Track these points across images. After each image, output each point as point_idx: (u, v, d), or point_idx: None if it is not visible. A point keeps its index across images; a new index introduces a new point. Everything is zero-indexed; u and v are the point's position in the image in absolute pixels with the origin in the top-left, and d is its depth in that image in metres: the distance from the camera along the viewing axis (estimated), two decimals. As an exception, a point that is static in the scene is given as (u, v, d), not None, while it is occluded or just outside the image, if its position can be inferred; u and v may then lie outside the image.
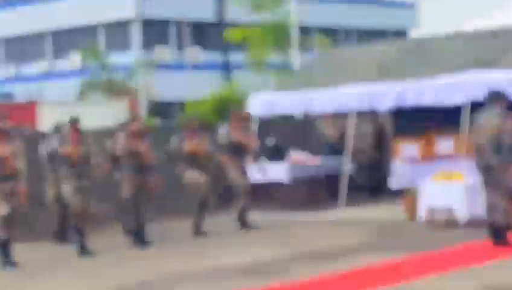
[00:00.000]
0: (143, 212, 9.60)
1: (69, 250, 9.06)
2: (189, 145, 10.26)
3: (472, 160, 8.90)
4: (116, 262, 8.45)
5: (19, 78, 33.19)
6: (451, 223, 10.02)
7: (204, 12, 29.40)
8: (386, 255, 7.16)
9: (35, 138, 11.36)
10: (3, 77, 34.38)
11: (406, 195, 11.25)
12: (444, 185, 10.93)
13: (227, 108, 16.48)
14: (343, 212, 12.44)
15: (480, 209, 8.55)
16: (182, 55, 31.94)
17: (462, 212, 9.90)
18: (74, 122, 8.91)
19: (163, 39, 31.35)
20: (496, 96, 8.02)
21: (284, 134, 15.37)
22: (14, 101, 27.31)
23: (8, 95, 27.33)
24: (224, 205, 12.26)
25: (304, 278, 5.89)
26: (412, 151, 13.29)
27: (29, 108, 22.01)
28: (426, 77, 11.85)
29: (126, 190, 9.30)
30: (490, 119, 7.55)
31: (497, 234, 7.37)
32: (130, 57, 28.90)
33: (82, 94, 25.93)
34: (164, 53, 29.86)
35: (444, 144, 12.89)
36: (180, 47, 30.95)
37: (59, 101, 24.24)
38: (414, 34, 31.02)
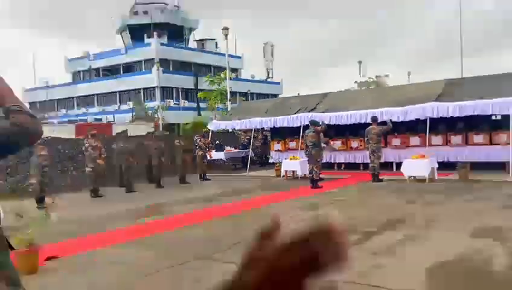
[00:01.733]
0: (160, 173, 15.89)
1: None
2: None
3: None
4: (145, 195, 14.56)
5: (103, 112, 46.60)
6: (294, 177, 15.89)
7: (189, 84, 43.74)
8: (266, 192, 12.77)
9: (110, 139, 16.88)
10: (97, 112, 47.28)
11: (276, 165, 17.37)
12: (292, 161, 16.08)
13: (201, 127, 22.05)
14: (248, 173, 18.03)
15: (305, 171, 14.52)
16: (178, 103, 46.33)
17: (299, 173, 15.46)
18: (125, 132, 16.73)
19: (169, 95, 46.28)
20: (313, 122, 13.87)
21: (223, 139, 20.95)
22: (102, 123, 36.60)
23: (98, 120, 38.84)
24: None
25: (227, 203, 11.18)
26: (278, 147, 19.09)
27: (108, 126, 27.31)
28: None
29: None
30: (310, 133, 13.43)
31: (313, 183, 13.02)
32: (154, 103, 42.77)
33: (133, 120, 36.19)
34: (171, 102, 43.65)
35: (292, 144, 18.63)
36: (177, 99, 44.39)
37: (122, 123, 33.38)
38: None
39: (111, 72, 51.14)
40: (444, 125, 15.63)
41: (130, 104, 44.45)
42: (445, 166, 14.52)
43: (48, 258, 6.07)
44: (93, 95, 51.09)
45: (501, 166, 13.80)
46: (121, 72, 50.24)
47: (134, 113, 40.82)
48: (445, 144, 15.54)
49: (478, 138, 15.08)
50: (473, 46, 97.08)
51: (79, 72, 54.49)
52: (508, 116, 13.05)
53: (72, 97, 53.13)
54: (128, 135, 15.99)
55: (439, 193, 11.18)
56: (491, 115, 14.10)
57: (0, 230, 1.96)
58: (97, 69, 52.79)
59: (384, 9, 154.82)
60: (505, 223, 7.39)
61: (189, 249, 6.50)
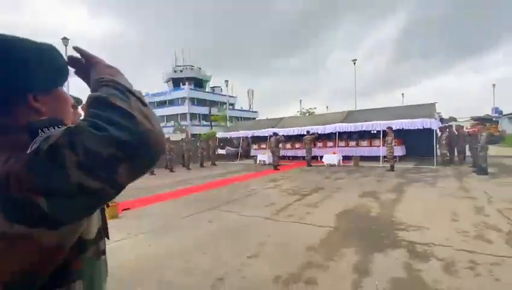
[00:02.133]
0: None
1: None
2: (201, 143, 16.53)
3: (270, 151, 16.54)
4: (180, 174, 14.99)
5: None
6: (265, 164, 15.47)
7: (206, 111, 42.11)
8: (249, 172, 12.88)
9: None
10: None
11: (254, 157, 17.47)
12: (263, 155, 15.90)
13: (213, 136, 21.79)
14: (239, 162, 17.75)
15: (271, 160, 14.27)
16: (200, 122, 44.53)
17: (267, 161, 15.21)
18: (168, 138, 16.45)
19: (194, 118, 44.83)
20: (274, 133, 16.31)
21: (225, 142, 20.74)
22: None
23: None
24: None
25: (226, 177, 11.34)
26: (255, 147, 18.89)
27: None
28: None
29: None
30: (273, 139, 13.73)
31: (275, 167, 12.84)
32: (186, 122, 42.04)
33: (174, 131, 35.61)
34: (195, 122, 41.78)
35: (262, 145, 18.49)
36: (199, 120, 42.71)
37: (167, 133, 32.07)
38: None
39: (161, 104, 51.29)
40: (346, 136, 15.80)
41: (172, 123, 45.00)
42: (346, 158, 14.63)
43: (124, 209, 5.97)
44: (151, 118, 51.76)
45: (376, 158, 14.05)
46: (167, 104, 50.54)
47: (174, 128, 41.19)
48: (347, 146, 15.74)
49: (364, 143, 15.45)
50: (363, 91, 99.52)
51: (143, 104, 55.05)
52: (379, 131, 13.22)
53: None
54: (170, 139, 15.67)
55: (342, 172, 11.30)
56: (370, 130, 14.29)
57: None
58: (153, 102, 52.76)
59: (314, 72, 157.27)
60: (377, 189, 7.58)
61: (203, 204, 6.44)
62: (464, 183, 7.95)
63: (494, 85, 38.94)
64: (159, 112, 49.22)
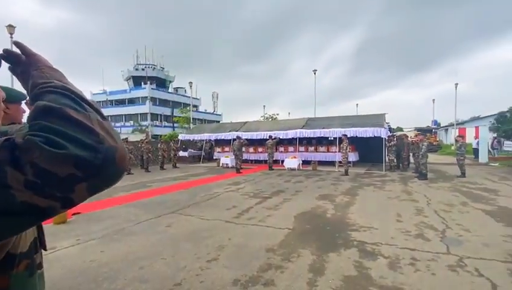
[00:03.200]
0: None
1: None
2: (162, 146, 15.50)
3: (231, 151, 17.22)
4: (138, 176, 14.42)
5: (115, 127, 46.80)
6: (228, 167, 15.33)
7: (168, 112, 40.89)
8: (211, 175, 12.65)
9: None
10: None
11: (217, 160, 16.91)
12: (226, 158, 15.68)
13: (174, 137, 20.62)
14: (201, 165, 17.44)
15: (233, 163, 14.18)
16: (161, 123, 42.42)
17: (230, 164, 15.08)
18: (126, 139, 14.73)
19: (156, 118, 42.82)
20: (238, 137, 16.40)
21: (188, 144, 19.97)
22: None
23: None
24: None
25: (188, 180, 12.75)
26: (219, 150, 18.81)
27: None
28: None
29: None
30: (236, 143, 15.88)
31: (237, 170, 12.88)
32: (146, 122, 40.26)
33: (132, 132, 34.07)
34: (156, 122, 39.92)
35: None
36: (161, 121, 40.64)
37: (126, 133, 30.73)
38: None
39: (120, 102, 48.71)
40: (305, 141, 16.26)
41: (131, 122, 43.04)
42: (305, 162, 15.02)
43: (74, 214, 5.54)
44: (108, 115, 48.66)
45: (333, 163, 14.67)
46: (126, 103, 48.13)
47: (133, 128, 39.27)
48: (306, 151, 16.27)
49: (322, 149, 16.09)
50: (322, 99, 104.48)
51: (99, 101, 51.18)
52: (336, 138, 13.84)
53: (94, 116, 50.46)
54: (129, 140, 14.87)
55: (302, 176, 11.59)
56: (328, 137, 14.93)
57: None
58: (111, 100, 50.12)
59: (276, 79, 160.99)
60: (333, 192, 7.93)
61: (162, 208, 6.20)
62: (408, 187, 8.66)
63: (434, 100, 43.30)
64: (118, 110, 46.84)
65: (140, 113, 44.53)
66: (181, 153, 18.39)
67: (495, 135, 17.59)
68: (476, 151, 18.07)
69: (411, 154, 13.52)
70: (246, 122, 19.17)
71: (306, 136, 14.93)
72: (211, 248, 3.75)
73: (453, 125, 30.14)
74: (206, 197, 7.37)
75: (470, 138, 22.63)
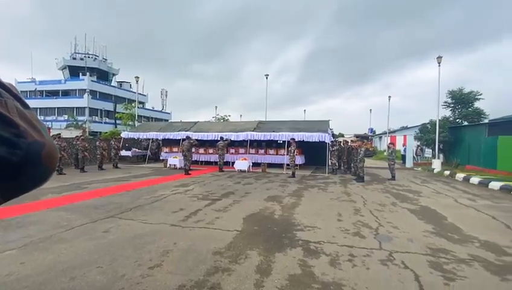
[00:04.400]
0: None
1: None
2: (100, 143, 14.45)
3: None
4: (72, 176, 13.30)
5: (44, 120, 37.17)
6: (176, 169, 14.80)
7: (110, 107, 37.62)
8: (157, 176, 12.18)
9: None
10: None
11: (164, 161, 16.08)
12: (175, 159, 15.12)
13: (116, 135, 18.86)
14: (146, 165, 16.49)
15: (182, 164, 13.69)
16: (102, 119, 39.18)
17: (178, 165, 14.60)
18: (59, 135, 12.79)
19: (95, 113, 39.21)
20: (187, 137, 15.78)
21: (131, 143, 18.76)
22: None
23: None
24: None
25: (130, 182, 12.42)
26: (166, 150, 17.76)
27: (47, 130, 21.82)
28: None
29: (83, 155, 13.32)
30: (185, 143, 15.24)
31: (186, 171, 12.42)
32: (84, 117, 36.70)
33: (66, 127, 30.40)
34: (96, 118, 36.75)
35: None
36: (101, 116, 37.14)
37: (58, 128, 26.52)
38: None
39: (52, 94, 43.39)
40: (256, 144, 16.50)
41: (66, 117, 38.64)
42: (255, 165, 15.26)
43: (-13, 220, 4.71)
44: (36, 108, 42.61)
45: (281, 165, 15.16)
46: (60, 94, 43.08)
47: (68, 123, 35.34)
48: (256, 153, 16.52)
49: (271, 151, 16.52)
50: (273, 104, 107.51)
51: (25, 91, 44.74)
52: (284, 141, 14.35)
53: (19, 108, 43.77)
54: (61, 136, 13.29)
55: (252, 178, 11.75)
56: (277, 140, 15.40)
57: None
58: (41, 91, 44.37)
59: (229, 81, 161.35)
60: (281, 193, 8.17)
61: (100, 212, 5.68)
62: (347, 189, 9.38)
63: (371, 110, 48.00)
64: (49, 103, 41.71)
65: (76, 107, 40.30)
66: (123, 153, 17.21)
67: (419, 143, 20.07)
68: (403, 157, 20.46)
69: (350, 158, 14.69)
70: (196, 122, 18.73)
71: (257, 138, 15.19)
72: (154, 254, 3.54)
73: (386, 133, 33.56)
74: (151, 199, 6.96)
75: (399, 145, 25.39)
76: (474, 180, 11.29)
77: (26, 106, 0.41)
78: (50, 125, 32.76)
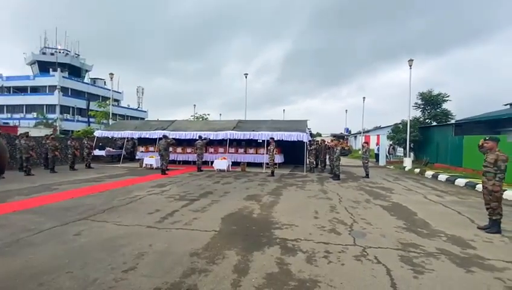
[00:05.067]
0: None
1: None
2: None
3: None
4: (42, 177, 12.35)
5: (11, 118, 36.59)
6: (151, 168, 14.28)
7: (83, 105, 36.44)
8: (133, 176, 11.84)
9: (12, 137, 13.03)
10: (5, 118, 37.15)
11: (139, 161, 15.53)
12: (151, 158, 14.56)
13: (89, 134, 18.64)
14: (121, 165, 15.85)
15: (158, 164, 13.09)
16: (73, 117, 37.67)
17: (155, 165, 14.07)
18: (27, 133, 12.11)
19: (67, 111, 37.64)
20: (164, 136, 15.23)
21: (105, 142, 18.03)
22: (8, 125, 26.71)
23: (6, 123, 29.73)
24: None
25: (104, 183, 11.99)
26: (142, 149, 17.50)
27: (14, 128, 20.96)
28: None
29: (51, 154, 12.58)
30: (162, 142, 14.90)
31: (163, 171, 11.84)
32: (54, 115, 35.33)
33: (35, 125, 28.69)
34: (67, 116, 35.60)
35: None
36: (73, 114, 35.89)
37: (26, 127, 24.61)
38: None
39: (20, 90, 40.74)
40: (235, 143, 16.52)
41: (34, 114, 36.35)
42: (235, 164, 15.21)
43: None
44: (3, 105, 39.96)
45: (261, 164, 15.25)
46: (29, 91, 40.53)
47: (37, 121, 33.23)
48: (236, 152, 16.48)
49: (251, 150, 16.55)
50: (252, 103, 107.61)
51: (-10, 87, 41.85)
52: (264, 140, 14.44)
53: (-17, 105, 40.28)
54: (30, 135, 12.50)
55: (231, 177, 11.73)
56: (257, 139, 15.48)
57: None
58: (8, 87, 41.53)
59: (209, 80, 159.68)
60: (260, 192, 8.21)
61: (71, 214, 5.41)
62: (324, 186, 9.59)
63: (346, 110, 49.37)
64: (17, 100, 39.15)
65: (46, 105, 38.18)
66: (97, 152, 16.49)
67: (391, 142, 20.99)
68: (377, 156, 21.27)
69: (327, 157, 15.05)
70: (174, 120, 18.35)
71: (236, 137, 15.14)
72: (128, 257, 3.43)
73: (361, 133, 34.75)
74: (126, 201, 6.74)
75: (373, 144, 26.42)
76: (442, 177, 11.95)
77: None
78: (18, 123, 30.79)
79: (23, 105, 39.24)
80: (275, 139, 13.43)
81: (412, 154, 18.86)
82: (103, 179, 10.38)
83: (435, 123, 19.71)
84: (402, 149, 20.54)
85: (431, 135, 18.39)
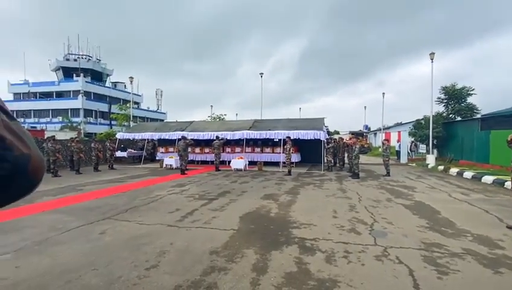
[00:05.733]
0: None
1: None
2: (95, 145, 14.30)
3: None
4: (68, 179, 13.01)
5: (38, 123, 39.06)
6: (172, 169, 14.53)
7: (105, 108, 36.48)
8: (154, 177, 12.04)
9: (40, 141, 13.39)
10: (33, 122, 39.16)
11: (160, 161, 15.86)
12: (170, 158, 14.93)
13: (112, 136, 18.80)
14: (142, 166, 16.20)
15: (178, 164, 13.34)
16: (96, 120, 38.87)
17: (174, 165, 14.41)
18: (53, 137, 12.79)
19: (90, 115, 38.99)
20: (183, 137, 15.60)
21: (126, 144, 18.47)
22: (36, 129, 28.50)
23: (34, 128, 31.38)
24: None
25: (127, 183, 12.67)
26: (162, 150, 17.87)
27: (41, 132, 22.14)
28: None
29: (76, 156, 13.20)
30: (181, 143, 15.23)
31: (182, 171, 12.15)
32: (78, 119, 36.73)
33: (61, 129, 30.50)
34: (90, 119, 36.54)
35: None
36: (97, 118, 36.70)
37: (53, 130, 26.06)
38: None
39: (46, 95, 42.92)
40: (252, 142, 16.58)
41: (60, 118, 38.24)
42: (252, 163, 15.28)
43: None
44: (30, 110, 42.29)
45: (277, 163, 15.19)
46: (54, 96, 42.65)
47: (62, 124, 34.95)
48: (252, 152, 16.52)
49: (267, 150, 16.52)
50: (268, 102, 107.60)
51: (19, 93, 44.28)
52: (280, 139, 14.33)
53: (13, 111, 43.12)
54: (56, 138, 13.15)
55: (248, 176, 11.75)
56: (273, 139, 15.42)
57: None
58: (35, 93, 43.84)
59: (225, 80, 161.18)
60: (277, 191, 8.19)
61: (96, 214, 5.64)
62: (343, 185, 9.43)
63: (365, 107, 48.32)
64: (43, 105, 41.32)
65: (71, 109, 39.98)
66: (119, 154, 17.06)
67: (413, 139, 20.26)
68: (398, 153, 20.62)
69: (346, 155, 14.76)
70: (192, 121, 18.64)
71: (253, 137, 15.16)
72: (151, 255, 3.53)
73: (381, 129, 33.81)
74: (147, 200, 6.93)
75: (393, 141, 25.64)
76: (468, 174, 11.42)
77: (11, 117, 0.41)
78: (44, 127, 32.42)
79: (49, 110, 41.24)
80: (292, 138, 13.33)
81: (435, 151, 18.14)
82: (125, 180, 10.72)
83: (459, 118, 18.84)
84: (424, 146, 19.78)
85: (455, 131, 17.60)
